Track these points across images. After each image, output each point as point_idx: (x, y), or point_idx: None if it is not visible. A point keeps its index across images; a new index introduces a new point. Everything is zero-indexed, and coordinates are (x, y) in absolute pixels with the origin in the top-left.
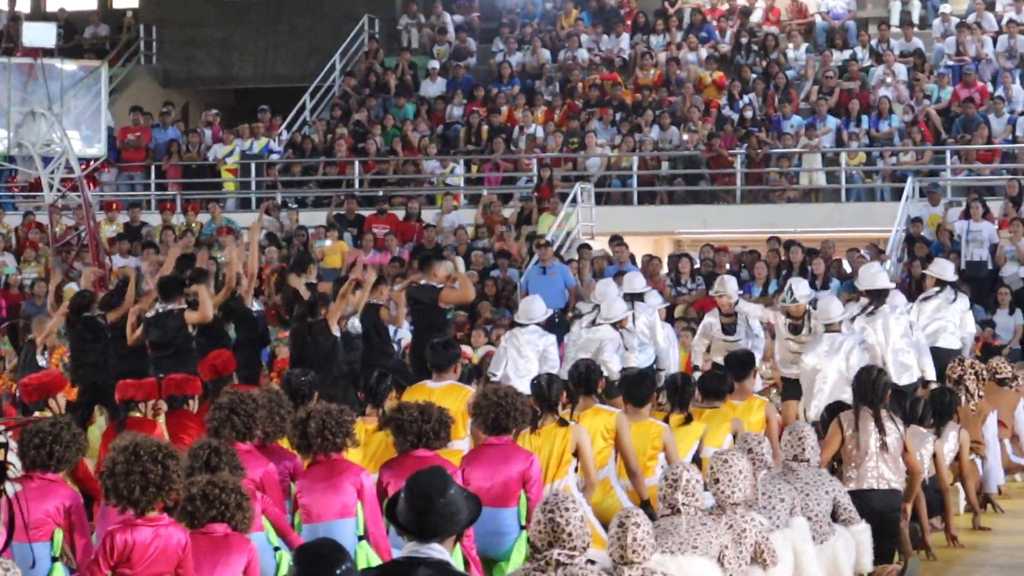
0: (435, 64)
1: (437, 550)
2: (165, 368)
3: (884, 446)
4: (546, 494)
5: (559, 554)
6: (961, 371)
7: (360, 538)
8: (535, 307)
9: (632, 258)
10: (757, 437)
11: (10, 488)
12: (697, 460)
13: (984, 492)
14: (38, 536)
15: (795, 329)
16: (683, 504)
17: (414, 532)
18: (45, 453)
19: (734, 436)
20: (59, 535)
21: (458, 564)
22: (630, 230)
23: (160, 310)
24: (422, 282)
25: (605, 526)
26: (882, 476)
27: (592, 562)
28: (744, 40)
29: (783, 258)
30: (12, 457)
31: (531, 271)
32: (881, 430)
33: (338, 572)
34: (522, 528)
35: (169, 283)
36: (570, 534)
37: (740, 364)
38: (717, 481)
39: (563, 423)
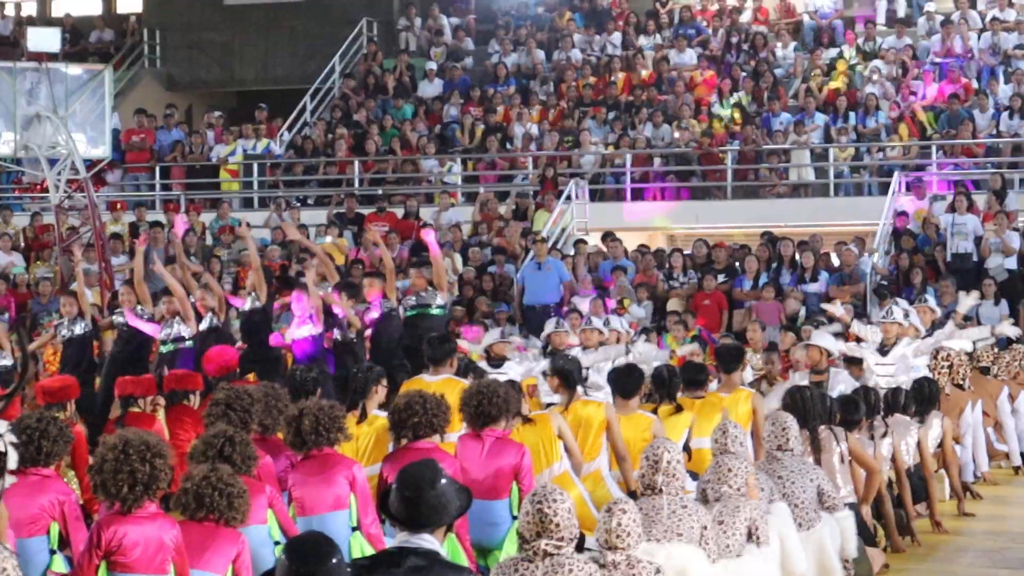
0: (432, 65)
1: (427, 540)
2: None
3: (819, 463)
4: (544, 480)
5: (547, 544)
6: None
7: (354, 529)
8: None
9: (626, 253)
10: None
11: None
12: (687, 449)
13: (961, 480)
14: (34, 531)
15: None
16: (664, 485)
17: (405, 523)
18: (34, 449)
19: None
20: (55, 528)
21: (453, 554)
22: (624, 226)
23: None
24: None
25: None
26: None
27: (582, 549)
28: (734, 39)
29: (773, 252)
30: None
31: (527, 267)
32: (817, 449)
33: (328, 565)
34: (514, 518)
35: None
36: (558, 524)
37: (729, 357)
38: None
39: (527, 420)
